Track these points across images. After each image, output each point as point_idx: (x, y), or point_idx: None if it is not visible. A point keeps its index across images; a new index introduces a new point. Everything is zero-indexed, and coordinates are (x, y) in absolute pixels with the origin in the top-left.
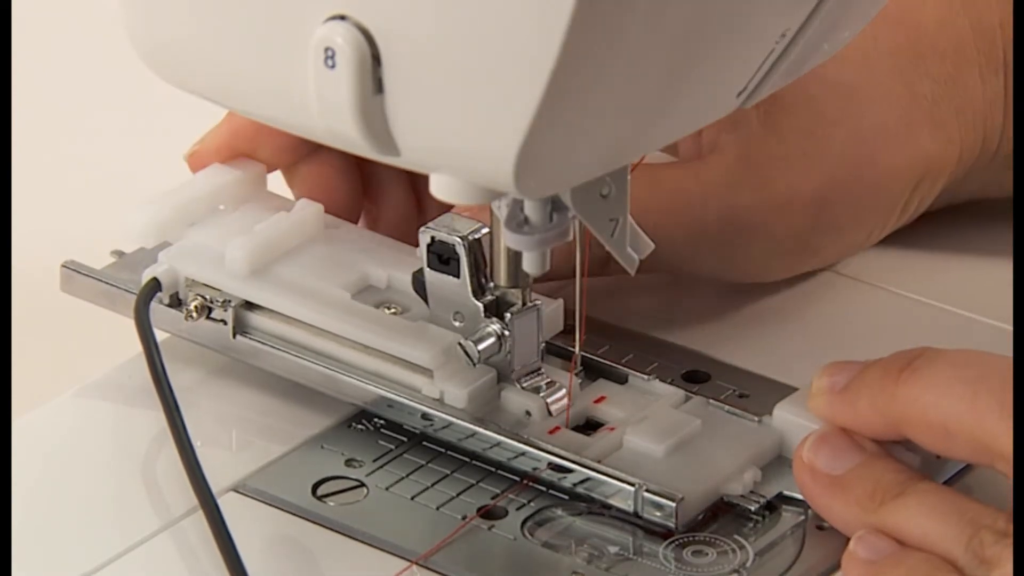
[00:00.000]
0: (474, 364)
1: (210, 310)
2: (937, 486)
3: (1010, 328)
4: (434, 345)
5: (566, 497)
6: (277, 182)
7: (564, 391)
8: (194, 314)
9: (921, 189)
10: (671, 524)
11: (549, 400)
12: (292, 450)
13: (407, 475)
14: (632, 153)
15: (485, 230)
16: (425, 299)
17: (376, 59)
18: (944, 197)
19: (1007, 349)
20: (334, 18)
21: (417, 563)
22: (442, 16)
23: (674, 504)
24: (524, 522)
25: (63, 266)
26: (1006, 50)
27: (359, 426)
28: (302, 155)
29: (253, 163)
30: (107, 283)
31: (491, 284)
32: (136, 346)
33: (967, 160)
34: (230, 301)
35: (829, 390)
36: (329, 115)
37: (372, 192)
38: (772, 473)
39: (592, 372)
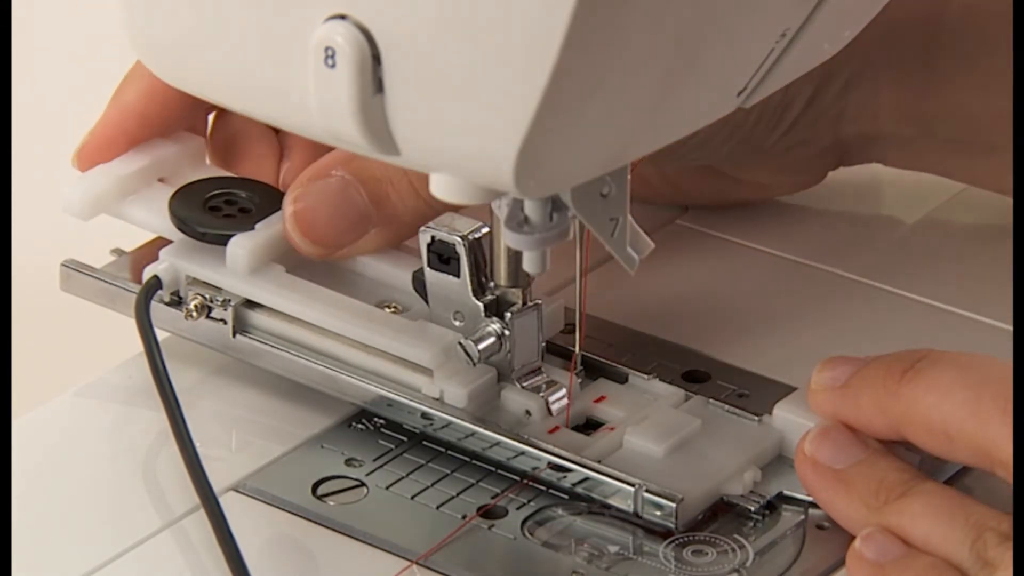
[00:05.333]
0: (474, 363)
1: (210, 309)
2: (941, 487)
3: (1010, 328)
4: (434, 344)
5: (566, 497)
6: None
7: (564, 391)
8: (194, 313)
9: None
10: (671, 524)
11: (549, 400)
12: (292, 450)
13: (407, 475)
14: (632, 153)
15: (485, 230)
16: (425, 298)
17: (376, 59)
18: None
19: (1007, 349)
20: (334, 18)
21: (417, 563)
22: (442, 16)
23: (674, 504)
24: (524, 522)
25: (63, 265)
26: None
27: (359, 426)
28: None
29: (191, 136)
30: (107, 282)
31: (491, 284)
32: (136, 346)
33: None
34: (230, 300)
35: (830, 386)
36: (329, 115)
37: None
38: (772, 473)
39: (592, 371)
